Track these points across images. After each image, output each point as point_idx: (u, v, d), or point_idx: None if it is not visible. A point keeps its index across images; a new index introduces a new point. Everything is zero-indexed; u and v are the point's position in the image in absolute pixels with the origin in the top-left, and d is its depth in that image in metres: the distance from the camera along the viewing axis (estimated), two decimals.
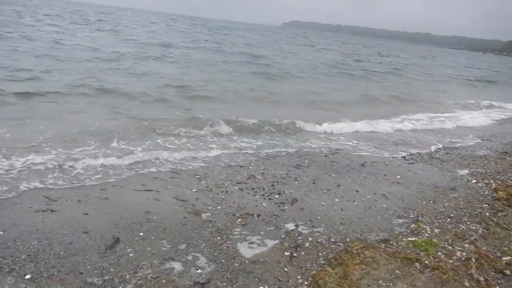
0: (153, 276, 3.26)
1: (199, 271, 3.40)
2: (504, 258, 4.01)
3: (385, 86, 18.84)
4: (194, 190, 5.07)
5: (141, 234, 3.89)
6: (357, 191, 5.48)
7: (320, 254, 3.82)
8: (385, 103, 14.20)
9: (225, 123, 8.21)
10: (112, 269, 3.30)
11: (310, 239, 4.08)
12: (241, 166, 6.14)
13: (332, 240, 4.10)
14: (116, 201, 4.56)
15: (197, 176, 5.54)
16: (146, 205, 4.51)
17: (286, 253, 3.78)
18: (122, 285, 3.12)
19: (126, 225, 4.04)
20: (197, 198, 4.82)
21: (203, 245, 3.80)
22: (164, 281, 3.21)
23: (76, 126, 7.16)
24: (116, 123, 7.75)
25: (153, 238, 3.84)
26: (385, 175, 6.23)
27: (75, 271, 3.22)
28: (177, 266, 3.43)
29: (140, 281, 3.18)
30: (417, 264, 3.74)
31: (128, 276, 3.23)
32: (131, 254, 3.53)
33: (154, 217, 4.25)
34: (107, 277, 3.19)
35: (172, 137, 7.24)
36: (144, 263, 3.43)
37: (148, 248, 3.65)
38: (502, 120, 13.39)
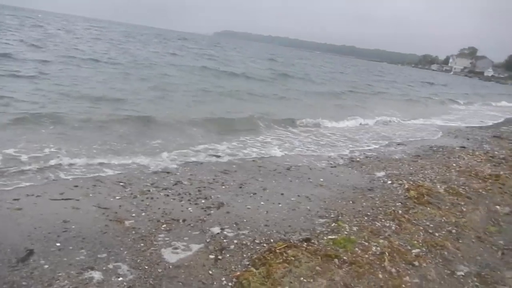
0: (70, 287, 3.11)
1: (120, 279, 3.30)
2: (413, 251, 4.35)
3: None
4: (117, 197, 4.91)
5: (58, 244, 3.69)
6: (282, 194, 5.65)
7: (244, 255, 3.89)
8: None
9: None
10: (24, 283, 3.10)
11: (235, 241, 4.13)
12: (168, 173, 6.06)
13: (257, 241, 4.19)
14: (31, 211, 4.29)
15: (121, 184, 5.38)
16: (64, 215, 4.29)
17: (211, 256, 3.80)
18: None
19: (41, 236, 3.81)
20: (120, 206, 4.68)
21: (125, 252, 3.70)
22: None
23: None
24: None
25: (71, 248, 3.66)
26: (309, 178, 6.48)
27: None
28: (97, 275, 3.30)
29: None
30: (336, 260, 3.93)
31: None
32: (46, 266, 3.34)
33: (73, 227, 4.05)
34: None
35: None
36: (60, 274, 3.25)
37: (65, 259, 3.47)
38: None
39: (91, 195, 4.90)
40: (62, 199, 4.69)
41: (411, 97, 25.97)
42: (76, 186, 5.14)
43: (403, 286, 3.68)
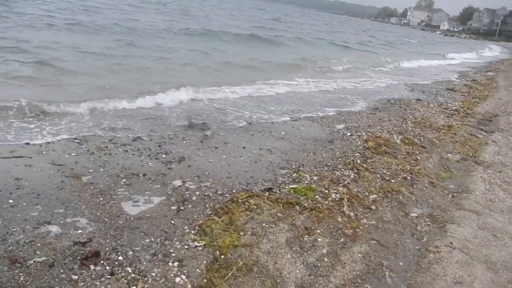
0: (26, 241, 3.01)
1: (80, 231, 3.23)
2: (370, 197, 4.51)
3: None
4: (73, 154, 4.73)
5: (11, 201, 3.54)
6: (244, 147, 5.65)
7: (207, 205, 3.89)
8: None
9: None
10: None
11: (197, 193, 4.12)
12: (126, 129, 5.88)
13: (219, 192, 4.20)
14: None
15: (76, 141, 5.18)
16: (16, 172, 4.10)
17: (173, 208, 3.78)
18: None
19: None
20: (76, 162, 4.52)
21: (84, 207, 3.60)
22: (39, 244, 2.99)
23: None
24: None
25: (24, 204, 3.52)
26: (271, 132, 6.50)
27: None
28: (54, 229, 3.21)
29: (11, 247, 2.92)
30: (297, 207, 4.02)
31: None
32: None
33: (26, 184, 3.89)
34: None
35: None
36: (14, 229, 3.14)
37: (19, 215, 3.34)
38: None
39: (44, 152, 4.70)
40: (14, 156, 4.46)
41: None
42: (28, 143, 4.90)
43: (361, 227, 3.84)
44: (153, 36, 17.17)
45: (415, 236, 3.89)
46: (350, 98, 10.35)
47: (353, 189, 4.61)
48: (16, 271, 2.69)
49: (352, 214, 4.06)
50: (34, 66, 9.09)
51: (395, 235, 3.85)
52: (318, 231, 3.65)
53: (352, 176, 4.99)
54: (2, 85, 7.40)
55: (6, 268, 2.70)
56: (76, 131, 5.53)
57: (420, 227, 4.07)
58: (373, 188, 4.74)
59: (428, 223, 4.16)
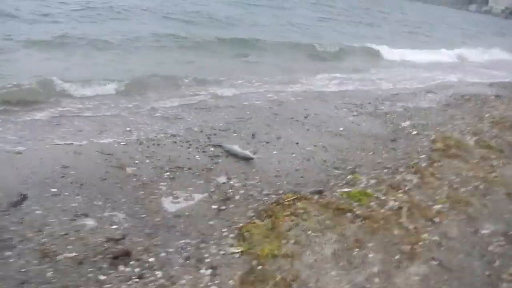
0: (60, 233, 2.95)
1: (115, 227, 3.12)
2: (434, 207, 4.00)
3: None
4: (122, 143, 4.70)
5: (54, 190, 3.53)
6: (297, 143, 5.31)
7: (250, 206, 3.64)
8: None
9: None
10: (13, 228, 2.96)
11: (241, 191, 3.88)
12: (179, 118, 5.78)
13: (265, 192, 3.92)
14: (30, 156, 4.13)
15: (127, 129, 5.15)
16: (65, 160, 4.11)
17: (214, 207, 3.57)
18: (23, 244, 2.80)
19: (37, 181, 3.65)
20: (124, 152, 4.47)
21: (123, 200, 3.51)
22: (72, 238, 2.92)
23: None
24: None
25: (66, 194, 3.49)
26: (328, 127, 6.09)
27: None
28: (90, 222, 3.13)
29: (44, 239, 2.87)
30: (348, 214, 3.64)
31: (31, 235, 2.90)
32: (38, 212, 3.19)
33: (72, 172, 3.87)
34: (5, 236, 2.85)
35: None
36: (52, 220, 3.10)
37: (59, 205, 3.31)
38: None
39: (94, 140, 4.70)
40: (65, 143, 4.50)
41: None
42: (80, 131, 4.94)
43: (421, 243, 3.37)
44: None
45: (485, 258, 3.34)
46: (419, 91, 9.56)
47: (414, 197, 4.12)
48: (45, 266, 2.62)
49: (411, 226, 3.60)
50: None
51: (461, 255, 3.33)
52: (370, 244, 3.25)
53: (414, 182, 4.48)
54: None
55: (36, 262, 2.64)
56: (126, 121, 5.51)
57: (492, 247, 3.50)
58: (438, 197, 4.20)
59: (502, 243, 3.58)
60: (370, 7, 42.50)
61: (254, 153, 4.69)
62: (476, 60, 17.86)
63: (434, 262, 3.17)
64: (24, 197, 3.34)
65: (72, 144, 4.50)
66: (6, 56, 8.05)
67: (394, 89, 9.68)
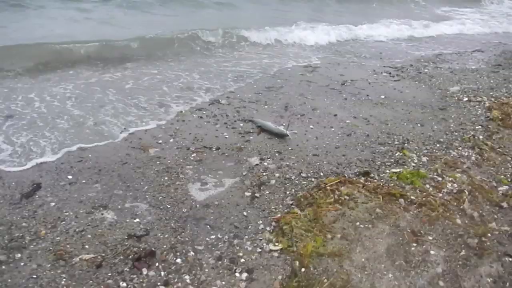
0: (76, 230, 2.61)
1: (137, 220, 2.77)
2: (500, 188, 3.46)
3: None
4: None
5: (70, 177, 3.19)
6: (335, 115, 4.79)
7: (287, 192, 3.21)
8: None
9: None
10: (24, 224, 2.65)
11: (277, 175, 3.44)
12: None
13: (303, 175, 3.47)
14: None
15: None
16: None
17: (247, 194, 3.16)
18: (35, 243, 2.48)
19: (52, 166, 3.32)
20: (146, 130, 4.08)
21: (146, 187, 3.14)
22: (89, 235, 2.58)
23: None
24: None
25: (83, 181, 3.15)
26: (367, 95, 5.51)
27: None
28: (109, 215, 2.79)
29: (59, 238, 2.54)
30: (401, 200, 3.16)
31: (43, 232, 2.58)
32: (53, 203, 2.86)
33: (90, 155, 3.53)
34: (15, 235, 2.54)
35: None
36: (67, 214, 2.77)
37: (75, 195, 2.97)
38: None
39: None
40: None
41: None
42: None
43: (489, 235, 2.88)
44: None
45: None
46: (463, 49, 8.72)
47: (475, 177, 3.58)
48: (59, 271, 2.28)
49: (475, 214, 3.09)
50: None
51: None
52: (430, 237, 2.79)
53: (473, 158, 3.93)
54: None
55: (49, 266, 2.32)
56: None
57: None
58: (502, 176, 3.65)
59: None
60: None
61: (289, 128, 4.20)
62: None
63: (508, 259, 2.68)
64: (37, 186, 3.01)
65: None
66: None
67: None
